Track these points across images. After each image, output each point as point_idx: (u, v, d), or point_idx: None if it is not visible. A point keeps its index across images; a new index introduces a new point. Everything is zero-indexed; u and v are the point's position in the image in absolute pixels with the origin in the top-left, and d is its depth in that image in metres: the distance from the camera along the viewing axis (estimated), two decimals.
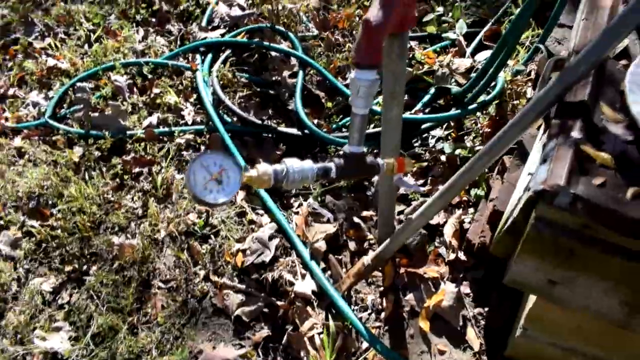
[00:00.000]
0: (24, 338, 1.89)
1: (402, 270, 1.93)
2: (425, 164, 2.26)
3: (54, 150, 2.41)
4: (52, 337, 1.89)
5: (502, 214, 1.64)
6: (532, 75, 2.45)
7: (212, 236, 2.10)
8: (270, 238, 2.03)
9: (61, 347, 1.85)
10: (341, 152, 1.20)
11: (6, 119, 2.58)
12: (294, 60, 2.70)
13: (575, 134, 1.06)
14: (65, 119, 2.57)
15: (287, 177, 1.10)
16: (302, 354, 1.73)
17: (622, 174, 1.00)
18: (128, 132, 2.43)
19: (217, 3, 3.09)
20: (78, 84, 2.64)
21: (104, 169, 2.34)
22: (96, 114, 2.49)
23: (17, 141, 2.49)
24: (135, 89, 2.65)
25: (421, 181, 2.21)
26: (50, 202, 2.25)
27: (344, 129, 2.43)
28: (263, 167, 1.08)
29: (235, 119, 2.47)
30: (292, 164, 1.11)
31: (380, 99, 2.30)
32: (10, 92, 2.74)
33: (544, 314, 1.36)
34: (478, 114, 2.39)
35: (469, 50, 2.68)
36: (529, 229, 1.07)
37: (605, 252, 1.00)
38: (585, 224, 0.99)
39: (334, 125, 2.43)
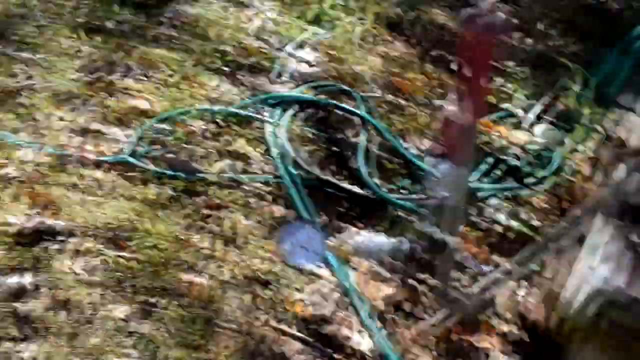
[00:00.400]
0: None
1: (454, 336, 2.01)
2: (480, 232, 2.35)
3: (132, 186, 2.59)
4: None
5: (558, 295, 1.72)
6: (591, 154, 2.54)
7: (275, 283, 2.22)
8: (331, 291, 2.14)
9: None
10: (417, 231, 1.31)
11: (89, 152, 2.77)
12: (358, 120, 2.86)
13: (635, 237, 1.16)
14: (143, 157, 2.75)
15: (366, 251, 1.22)
16: None
17: None
18: (200, 175, 2.59)
19: (287, 58, 3.28)
20: (157, 125, 2.83)
21: (176, 209, 2.49)
22: (172, 155, 2.67)
23: (99, 174, 2.66)
24: (208, 134, 2.83)
25: (475, 249, 2.30)
26: (126, 234, 2.41)
27: (403, 190, 2.55)
28: (346, 240, 1.20)
29: (300, 171, 2.61)
30: (372, 238, 1.23)
31: None
32: (94, 126, 2.94)
33: None
34: (535, 187, 2.48)
35: (527, 123, 2.79)
36: (588, 323, 1.16)
37: None
38: None
39: (394, 186, 2.55)
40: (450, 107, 1.25)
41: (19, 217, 2.40)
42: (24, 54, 3.36)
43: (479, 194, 2.47)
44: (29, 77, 3.21)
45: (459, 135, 1.25)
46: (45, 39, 3.49)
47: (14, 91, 3.10)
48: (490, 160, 2.59)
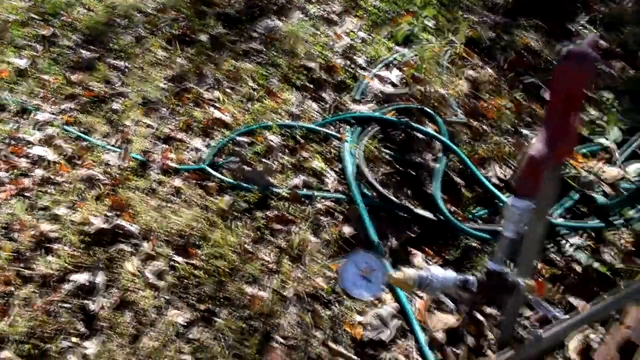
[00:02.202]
0: None
1: None
2: (558, 271, 2.22)
3: (207, 195, 2.66)
4: None
5: (636, 347, 1.59)
6: None
7: (336, 303, 2.20)
8: (391, 317, 2.09)
9: None
10: (484, 270, 1.25)
11: (171, 160, 2.88)
12: (438, 144, 2.79)
13: None
14: (221, 167, 2.82)
15: (430, 285, 1.17)
16: None
17: None
18: (274, 190, 2.62)
19: (372, 78, 3.27)
20: (237, 138, 2.90)
21: (247, 221, 2.53)
22: (249, 168, 2.72)
23: (177, 181, 2.76)
24: (286, 150, 2.86)
25: (550, 287, 2.17)
26: (196, 242, 2.47)
27: (478, 220, 2.46)
28: (409, 272, 1.16)
29: (374, 193, 2.58)
30: (436, 272, 1.18)
31: None
32: (178, 135, 3.06)
33: None
34: (622, 228, 2.32)
35: (620, 159, 2.62)
36: None
37: None
38: None
39: (469, 215, 2.46)
40: (537, 143, 1.18)
41: (99, 217, 2.51)
42: (121, 62, 3.56)
43: (560, 231, 2.34)
44: (123, 85, 3.40)
45: (541, 174, 1.18)
46: (143, 49, 3.69)
47: (108, 97, 3.29)
48: (576, 196, 2.45)
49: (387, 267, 1.12)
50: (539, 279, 1.30)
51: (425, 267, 1.19)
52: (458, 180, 2.62)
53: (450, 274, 1.19)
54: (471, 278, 1.22)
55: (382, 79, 3.28)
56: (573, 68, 1.09)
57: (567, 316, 2.06)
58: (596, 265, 2.13)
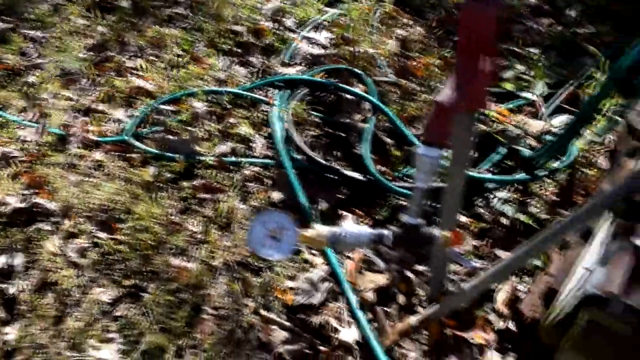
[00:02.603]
0: (79, 344, 1.99)
1: (448, 331, 1.91)
2: (485, 225, 2.24)
3: (130, 167, 2.54)
4: (104, 348, 1.97)
5: (557, 293, 1.61)
6: (609, 146, 2.39)
7: (265, 270, 2.15)
8: (321, 280, 2.06)
9: (111, 359, 1.93)
10: (399, 223, 1.22)
11: (91, 132, 2.74)
12: (367, 105, 2.75)
13: (639, 240, 1.04)
14: (144, 138, 2.70)
15: (343, 241, 1.13)
16: None
17: None
18: (200, 158, 2.53)
19: (300, 40, 3.19)
20: (161, 107, 2.78)
21: (172, 191, 2.44)
22: (173, 137, 2.61)
23: (98, 155, 2.63)
24: (212, 117, 2.77)
25: (478, 242, 2.19)
26: (119, 216, 2.37)
27: (407, 179, 2.44)
28: (320, 229, 1.11)
29: (303, 156, 2.53)
30: (349, 228, 1.14)
31: None
32: (98, 106, 2.91)
33: None
34: (547, 180, 2.35)
35: (545, 112, 2.65)
36: (579, 328, 1.05)
37: None
38: (637, 334, 0.96)
39: (398, 174, 2.45)
40: (445, 89, 1.14)
41: (15, 196, 2.38)
42: (37, 33, 3.36)
43: (487, 185, 2.35)
44: (39, 56, 3.21)
45: (449, 121, 1.14)
46: (61, 18, 3.50)
47: (23, 70, 3.10)
48: (503, 150, 2.46)
49: (296, 225, 1.06)
50: (456, 230, 1.28)
51: (341, 225, 1.14)
52: (387, 140, 2.60)
53: (364, 229, 1.16)
54: (386, 232, 1.18)
55: (311, 41, 3.20)
56: (478, 9, 1.05)
57: (485, 265, 2.10)
58: (522, 217, 2.16)
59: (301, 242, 1.09)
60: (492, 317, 1.95)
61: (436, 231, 1.26)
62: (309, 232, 1.10)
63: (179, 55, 3.21)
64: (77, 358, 1.95)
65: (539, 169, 2.30)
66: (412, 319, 1.74)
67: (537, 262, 2.00)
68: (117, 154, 2.63)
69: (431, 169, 1.15)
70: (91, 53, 3.27)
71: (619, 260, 1.00)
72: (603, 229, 1.45)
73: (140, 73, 3.11)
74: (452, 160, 1.43)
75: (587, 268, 1.19)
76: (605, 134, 2.41)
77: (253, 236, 1.06)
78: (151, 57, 3.23)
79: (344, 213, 2.32)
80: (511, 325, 1.90)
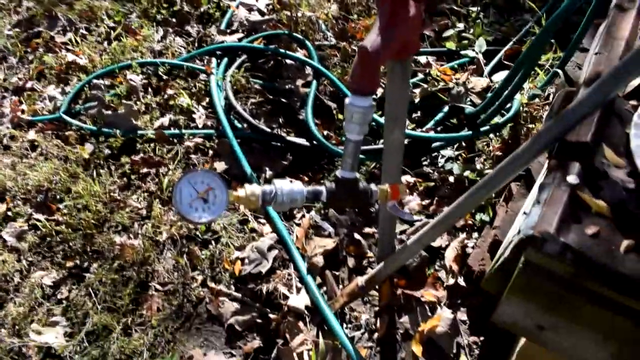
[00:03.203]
0: (22, 330, 1.92)
1: (399, 291, 1.91)
2: (432, 183, 2.24)
3: (66, 145, 2.44)
4: (48, 332, 1.90)
5: (501, 243, 1.62)
6: (550, 100, 2.41)
7: (212, 242, 2.11)
8: (270, 248, 2.03)
9: (56, 343, 1.86)
10: (333, 177, 1.18)
11: (23, 112, 2.61)
12: (309, 69, 2.70)
13: (572, 178, 1.03)
14: (79, 114, 2.59)
15: (275, 199, 1.09)
16: None
17: (617, 225, 0.97)
18: (139, 132, 2.44)
19: (237, 7, 3.10)
20: (94, 81, 2.67)
21: (112, 168, 2.35)
22: (109, 112, 2.51)
23: (31, 134, 2.51)
24: (149, 89, 2.67)
25: (427, 201, 2.19)
26: (58, 197, 2.27)
27: None
28: (251, 188, 1.07)
29: (245, 125, 2.47)
30: (282, 185, 1.10)
31: None
32: (29, 85, 2.78)
33: (535, 355, 1.33)
34: (491, 136, 2.36)
35: (487, 69, 2.65)
36: (518, 271, 1.05)
37: (594, 303, 0.97)
38: (575, 273, 0.96)
39: (344, 138, 2.41)
40: (371, 34, 1.09)
41: None
42: None
43: (433, 145, 2.34)
44: None
45: (375, 68, 1.10)
46: None
47: None
48: (446, 109, 2.45)
49: (226, 185, 1.02)
50: (394, 184, 1.26)
51: (273, 182, 1.10)
52: (331, 103, 2.56)
53: (297, 186, 1.11)
54: (321, 188, 1.15)
55: (248, 7, 3.10)
56: None
57: (425, 219, 2.10)
58: (467, 173, 2.16)
59: (232, 202, 1.05)
60: (442, 274, 1.96)
61: (373, 185, 1.23)
62: (239, 191, 1.06)
63: (111, 28, 3.08)
64: (20, 344, 1.88)
65: (483, 125, 2.30)
66: (360, 279, 1.72)
67: (484, 217, 2.01)
68: (52, 132, 2.52)
69: (362, 119, 1.12)
70: (17, 29, 3.12)
71: (554, 200, 0.99)
72: (540, 174, 1.45)
73: (72, 48, 2.97)
74: (387, 112, 1.40)
75: (525, 212, 1.19)
76: (546, 86, 2.43)
77: (180, 198, 1.01)
78: (82, 31, 3.09)
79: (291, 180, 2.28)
80: (460, 281, 1.91)
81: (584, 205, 1.00)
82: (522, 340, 1.35)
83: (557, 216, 0.96)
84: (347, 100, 1.13)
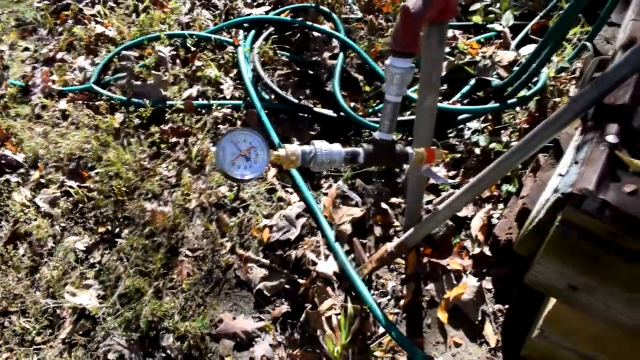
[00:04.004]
0: (56, 292, 1.97)
1: (425, 259, 1.93)
2: (458, 155, 2.25)
3: (97, 115, 2.48)
4: (81, 294, 1.96)
5: (529, 212, 1.62)
6: (577, 74, 2.40)
7: (241, 210, 2.14)
8: (298, 217, 2.06)
9: (89, 304, 1.92)
10: (371, 138, 1.20)
11: (53, 82, 2.66)
12: (335, 42, 2.70)
13: (611, 138, 1.04)
14: (109, 85, 2.63)
15: (314, 159, 1.11)
16: (318, 332, 1.76)
17: None
18: (168, 102, 2.47)
19: None
20: (123, 52, 2.70)
21: (142, 137, 2.40)
22: (138, 83, 2.54)
23: (62, 104, 2.56)
24: (177, 61, 2.70)
25: (453, 172, 2.20)
26: (89, 164, 2.32)
27: (379, 114, 2.42)
28: (291, 148, 1.09)
29: (272, 96, 2.49)
30: (321, 146, 1.12)
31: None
32: (59, 56, 2.82)
33: (562, 318, 1.35)
34: (517, 108, 2.36)
35: (514, 43, 2.64)
36: (554, 231, 1.06)
37: (631, 262, 0.98)
38: (613, 232, 0.97)
39: (370, 110, 2.43)
40: None
41: None
42: None
43: (460, 118, 2.34)
44: None
45: (417, 30, 1.12)
46: None
47: None
48: (472, 81, 2.45)
49: (268, 144, 1.04)
50: (430, 148, 1.27)
51: (312, 143, 1.12)
52: (357, 75, 2.56)
53: (336, 147, 1.14)
54: (359, 150, 1.17)
55: None
56: None
57: (456, 181, 2.12)
58: (494, 145, 2.16)
59: (273, 161, 1.07)
60: (467, 243, 1.97)
61: (409, 148, 1.25)
62: (280, 151, 1.08)
63: (139, 0, 3.10)
64: (55, 305, 1.94)
65: (510, 98, 2.30)
66: (389, 245, 1.74)
67: (510, 188, 2.02)
68: (82, 102, 2.56)
69: (401, 80, 1.13)
70: (47, 2, 3.15)
71: (593, 159, 1.00)
72: (572, 147, 1.46)
73: (100, 20, 3.00)
74: (422, 77, 1.41)
75: (561, 174, 1.20)
76: (574, 60, 2.41)
77: (222, 155, 1.04)
78: (110, 3, 3.12)
79: None
80: (486, 250, 1.93)
81: (622, 164, 1.01)
82: (551, 304, 1.36)
83: (596, 174, 0.97)
84: (387, 62, 1.14)
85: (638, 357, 1.29)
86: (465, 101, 2.45)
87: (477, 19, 2.83)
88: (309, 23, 2.74)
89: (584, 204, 0.95)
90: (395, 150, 1.21)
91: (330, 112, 2.39)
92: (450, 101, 2.40)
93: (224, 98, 2.52)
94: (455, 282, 1.88)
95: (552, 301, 1.36)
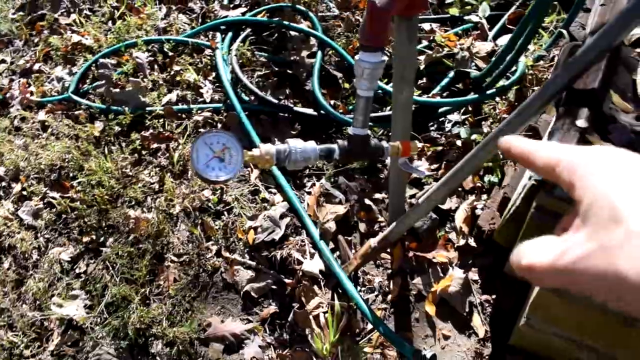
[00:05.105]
0: (42, 304, 1.97)
1: (411, 253, 1.93)
2: (440, 148, 2.25)
3: (76, 124, 2.47)
4: (68, 305, 1.95)
5: (509, 200, 1.63)
6: (555, 62, 2.41)
7: (225, 213, 2.14)
8: (282, 217, 2.06)
9: (77, 315, 1.91)
10: (346, 134, 1.20)
11: (31, 93, 2.64)
12: (313, 40, 2.70)
13: (581, 122, 1.05)
14: (87, 94, 2.62)
15: (289, 157, 1.11)
16: (307, 331, 1.76)
17: None
18: (147, 109, 2.46)
19: None
20: (101, 60, 2.68)
21: (123, 144, 2.38)
22: (117, 90, 2.53)
23: (41, 115, 2.55)
24: (156, 66, 2.69)
25: (435, 165, 2.21)
26: (71, 174, 2.31)
27: None
28: (265, 147, 1.09)
29: (252, 97, 2.48)
30: (295, 144, 1.12)
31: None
32: (36, 67, 2.80)
33: (548, 305, 1.36)
34: (497, 99, 2.37)
35: (491, 33, 2.65)
36: (529, 218, 1.07)
37: None
38: None
39: (351, 107, 2.43)
40: None
41: None
42: None
43: (440, 110, 2.35)
44: None
45: (384, 23, 1.11)
46: None
47: None
48: (451, 74, 2.46)
49: (242, 144, 1.04)
50: (406, 141, 1.27)
51: (287, 141, 1.12)
52: (336, 73, 2.56)
53: (310, 144, 1.13)
54: (333, 146, 1.17)
55: None
56: None
57: (435, 173, 2.12)
58: (475, 136, 2.17)
59: (248, 162, 1.07)
60: (452, 236, 1.98)
61: (384, 142, 1.25)
62: (254, 151, 1.08)
63: (114, 7, 3.09)
64: (42, 317, 1.93)
65: (489, 89, 2.31)
66: (372, 240, 1.74)
67: (493, 179, 2.03)
68: (62, 112, 2.55)
69: (371, 75, 1.13)
70: (21, 13, 3.13)
71: (564, 143, 1.01)
72: (547, 133, 1.47)
73: (77, 29, 2.98)
74: (396, 72, 1.41)
75: None
76: (551, 48, 2.43)
77: (197, 157, 1.03)
78: (86, 12, 3.10)
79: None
80: (471, 242, 1.93)
81: None
82: (535, 291, 1.37)
83: None
84: (357, 57, 1.14)
85: (623, 341, 1.30)
86: (445, 94, 2.46)
87: (454, 11, 2.84)
88: (286, 22, 2.73)
89: (556, 190, 0.96)
90: (371, 145, 1.21)
91: (310, 111, 2.39)
92: (430, 94, 2.41)
93: (204, 102, 2.52)
94: (441, 275, 1.88)
95: (537, 289, 1.37)
